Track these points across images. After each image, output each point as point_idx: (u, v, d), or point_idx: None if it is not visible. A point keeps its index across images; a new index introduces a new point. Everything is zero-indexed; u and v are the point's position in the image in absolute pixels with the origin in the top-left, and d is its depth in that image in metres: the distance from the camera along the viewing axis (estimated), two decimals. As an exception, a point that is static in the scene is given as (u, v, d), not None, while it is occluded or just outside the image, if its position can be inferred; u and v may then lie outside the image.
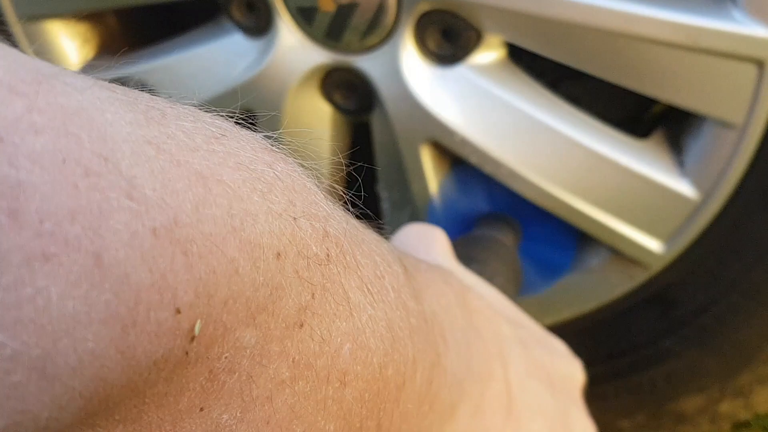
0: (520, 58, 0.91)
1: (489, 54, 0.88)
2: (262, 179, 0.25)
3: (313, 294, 0.26)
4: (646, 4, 0.77)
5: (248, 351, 0.24)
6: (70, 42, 1.03)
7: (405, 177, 0.95)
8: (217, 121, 0.26)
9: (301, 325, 0.26)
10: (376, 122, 0.95)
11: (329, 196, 0.30)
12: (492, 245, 0.83)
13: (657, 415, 1.02)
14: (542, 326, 0.59)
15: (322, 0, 0.86)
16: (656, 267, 0.91)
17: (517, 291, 0.80)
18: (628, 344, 0.98)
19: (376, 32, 0.87)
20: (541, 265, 0.98)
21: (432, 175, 0.94)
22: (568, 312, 1.00)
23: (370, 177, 1.00)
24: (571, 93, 0.95)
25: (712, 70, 0.78)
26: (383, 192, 1.00)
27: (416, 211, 0.97)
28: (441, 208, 0.97)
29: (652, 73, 0.81)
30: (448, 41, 0.87)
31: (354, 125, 1.01)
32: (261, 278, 0.24)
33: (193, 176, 0.23)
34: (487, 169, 0.90)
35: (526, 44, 0.84)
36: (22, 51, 0.22)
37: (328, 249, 0.27)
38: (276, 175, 0.26)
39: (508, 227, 0.91)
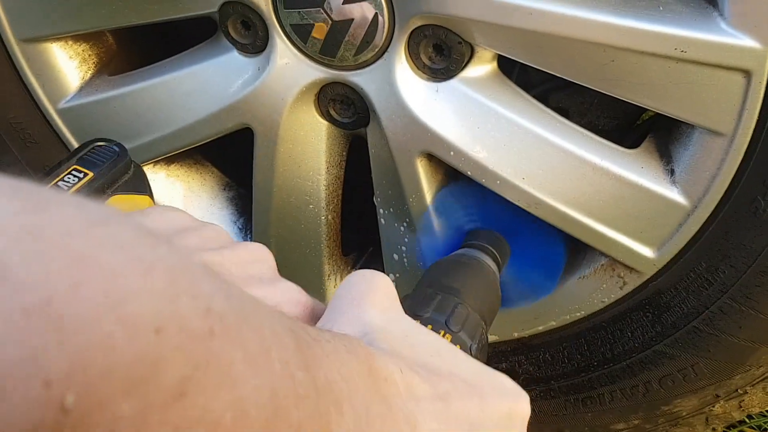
0: (511, 70, 0.93)
1: (481, 67, 0.90)
2: (143, 260, 0.27)
3: (196, 366, 0.28)
4: (635, 17, 0.79)
5: (128, 420, 0.26)
6: (68, 61, 1.05)
7: (401, 190, 0.96)
8: (102, 208, 0.29)
9: (183, 395, 0.27)
10: (371, 136, 0.96)
11: (215, 276, 0.32)
12: (469, 270, 0.83)
13: (652, 418, 1.04)
14: (487, 366, 0.60)
15: (315, 27, 0.88)
16: (648, 273, 0.93)
17: (491, 318, 0.81)
18: (623, 348, 1.00)
19: (370, 48, 0.89)
20: (524, 285, 0.99)
21: (427, 188, 0.96)
22: (563, 318, 1.01)
23: (368, 189, 1.02)
24: (561, 103, 0.97)
25: (701, 80, 0.80)
26: (379, 205, 1.01)
27: (412, 224, 0.99)
28: (434, 222, 0.99)
29: (642, 84, 0.82)
30: (441, 55, 0.89)
31: (351, 138, 1.03)
32: (140, 352, 0.26)
33: (71, 259, 0.25)
34: (483, 180, 0.92)
35: (518, 57, 0.86)
36: None
37: (211, 325, 0.29)
38: (157, 256, 0.28)
39: (495, 246, 0.92)
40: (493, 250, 0.91)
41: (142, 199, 0.72)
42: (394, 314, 0.55)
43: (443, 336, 0.66)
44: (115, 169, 0.69)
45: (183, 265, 0.30)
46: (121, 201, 0.69)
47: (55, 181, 0.66)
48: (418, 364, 0.51)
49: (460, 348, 0.66)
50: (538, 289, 1.00)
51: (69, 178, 0.67)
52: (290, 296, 0.55)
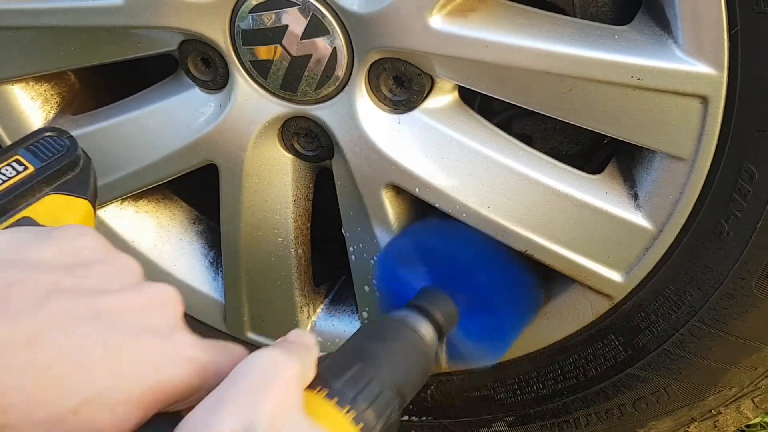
0: (473, 99, 0.92)
1: (442, 97, 0.90)
2: None
3: None
4: (590, 47, 0.79)
5: None
6: (30, 102, 1.04)
7: (368, 222, 0.96)
8: None
9: None
10: (336, 168, 0.96)
11: None
12: (398, 339, 0.77)
13: (628, 440, 1.03)
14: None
15: (275, 63, 0.88)
16: (618, 297, 0.93)
17: (411, 393, 0.75)
18: (596, 372, 0.99)
19: (331, 82, 0.88)
20: (469, 347, 0.94)
21: (394, 220, 0.95)
22: (536, 343, 1.01)
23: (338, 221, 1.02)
24: (525, 130, 0.97)
25: (659, 107, 0.80)
26: (349, 242, 1.01)
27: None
28: (382, 278, 0.96)
29: (601, 112, 0.82)
30: (402, 87, 0.88)
31: (317, 171, 1.02)
32: None
33: None
34: (450, 211, 0.91)
35: (477, 87, 0.86)
36: None
37: None
38: None
39: (440, 310, 0.84)
40: (435, 315, 0.84)
41: (79, 203, 0.67)
42: (288, 411, 0.52)
43: (348, 412, 0.63)
44: (59, 166, 0.65)
45: None
46: (56, 203, 0.65)
47: None
48: None
49: (363, 426, 0.63)
50: (483, 355, 0.97)
51: (7, 169, 0.63)
52: (182, 353, 0.53)
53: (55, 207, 0.65)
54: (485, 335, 0.93)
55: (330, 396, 0.62)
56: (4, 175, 0.62)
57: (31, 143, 0.65)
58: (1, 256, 0.51)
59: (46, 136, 0.67)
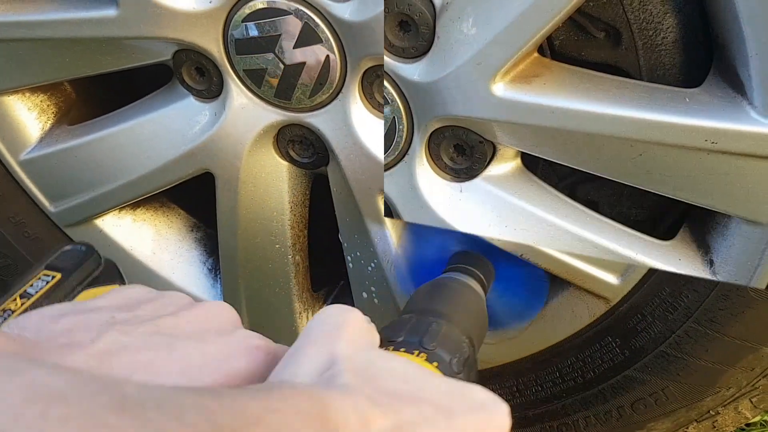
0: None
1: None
2: None
3: None
4: (660, 110, 0.76)
5: None
6: (27, 113, 1.05)
7: (365, 229, 0.96)
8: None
9: None
10: (332, 175, 0.96)
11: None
12: (447, 290, 0.83)
13: (627, 441, 1.04)
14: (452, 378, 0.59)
15: (268, 71, 0.88)
16: (614, 299, 0.93)
17: (478, 333, 0.81)
18: (594, 374, 1.00)
19: (324, 89, 0.89)
20: (515, 304, 0.99)
21: (391, 226, 0.96)
22: (534, 345, 1.01)
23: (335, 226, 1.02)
24: (590, 197, 0.96)
25: (734, 170, 0.77)
26: (346, 251, 1.01)
27: (380, 264, 0.98)
28: (408, 253, 0.98)
29: (673, 176, 0.80)
30: (396, 93, 0.89)
31: (312, 178, 1.03)
32: None
33: None
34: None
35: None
36: None
37: None
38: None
39: (477, 267, 0.91)
40: (475, 270, 0.90)
41: (111, 289, 0.73)
42: (362, 346, 0.55)
43: (418, 355, 0.65)
44: (82, 267, 0.71)
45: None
46: (90, 293, 0.71)
47: (24, 288, 0.67)
48: (381, 392, 0.50)
49: (438, 365, 0.65)
50: (526, 310, 1.00)
51: (37, 283, 0.69)
52: (248, 343, 0.55)
53: (92, 296, 0.70)
54: (524, 286, 0.98)
55: (396, 348, 0.65)
56: (35, 287, 0.68)
57: (50, 260, 0.71)
58: (60, 310, 0.55)
59: (64, 250, 0.72)
